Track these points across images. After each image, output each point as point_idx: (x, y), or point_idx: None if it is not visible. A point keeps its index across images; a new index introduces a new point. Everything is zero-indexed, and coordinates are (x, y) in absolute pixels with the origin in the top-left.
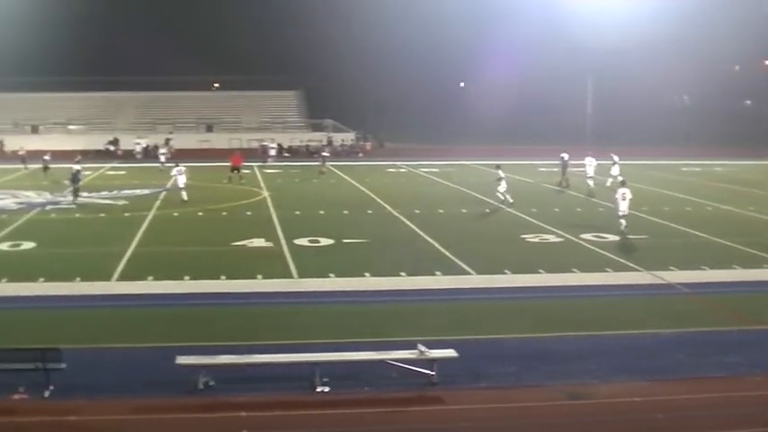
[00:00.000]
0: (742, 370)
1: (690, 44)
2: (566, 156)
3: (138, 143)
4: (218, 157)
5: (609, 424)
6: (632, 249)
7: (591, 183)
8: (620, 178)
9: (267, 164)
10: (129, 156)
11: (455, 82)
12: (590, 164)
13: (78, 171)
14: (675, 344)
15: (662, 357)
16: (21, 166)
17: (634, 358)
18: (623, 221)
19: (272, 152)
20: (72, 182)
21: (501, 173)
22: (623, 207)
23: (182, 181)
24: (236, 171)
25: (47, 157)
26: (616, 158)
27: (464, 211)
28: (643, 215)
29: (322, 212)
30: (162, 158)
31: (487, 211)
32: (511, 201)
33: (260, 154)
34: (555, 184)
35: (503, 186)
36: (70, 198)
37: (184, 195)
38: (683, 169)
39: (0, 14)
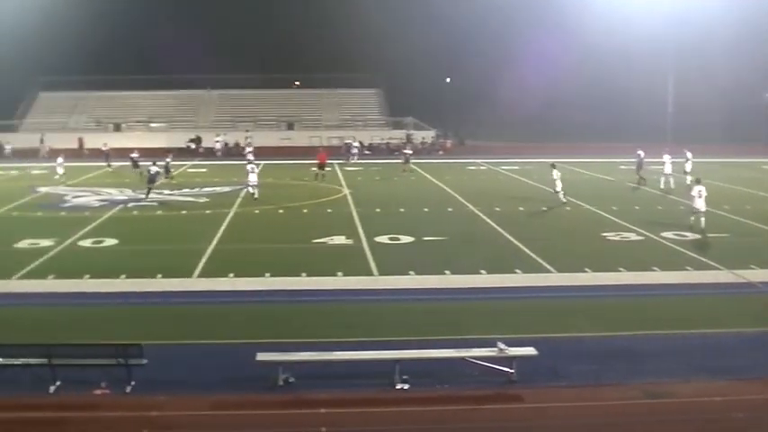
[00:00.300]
0: None
1: None
2: (641, 153)
3: (218, 141)
4: (299, 155)
5: (688, 423)
6: (713, 248)
7: (670, 180)
8: (689, 177)
9: (350, 162)
10: (209, 153)
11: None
12: (667, 161)
13: (157, 172)
14: (756, 343)
15: (742, 357)
16: (104, 163)
17: (714, 357)
18: (702, 219)
19: (355, 150)
20: (149, 181)
21: (556, 172)
22: (699, 205)
23: (253, 179)
24: (321, 168)
25: (135, 155)
26: (689, 155)
27: (544, 208)
28: (724, 213)
29: (402, 210)
30: (250, 156)
31: (568, 208)
32: (563, 200)
33: (343, 152)
34: (634, 182)
35: (558, 185)
36: (144, 195)
37: (255, 193)
38: (765, 167)
39: (83, 14)
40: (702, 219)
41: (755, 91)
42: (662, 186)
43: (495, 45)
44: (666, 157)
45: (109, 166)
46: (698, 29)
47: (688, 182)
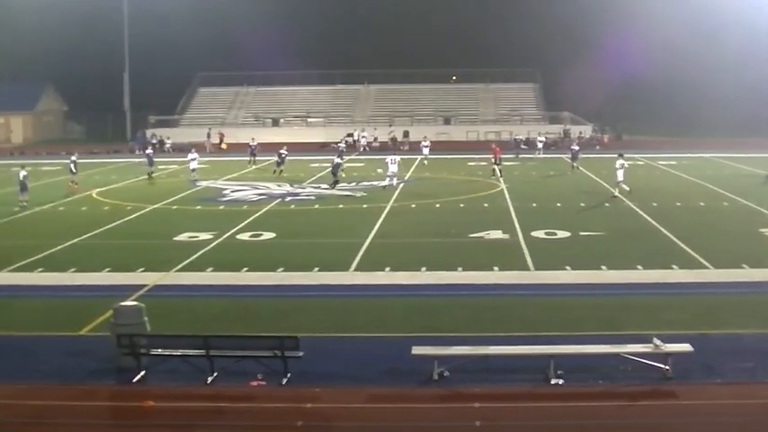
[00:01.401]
0: None
1: None
2: None
3: (364, 136)
4: (456, 149)
5: None
6: None
7: None
8: None
9: (535, 156)
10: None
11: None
12: None
13: (338, 164)
14: None
15: None
16: (246, 159)
17: None
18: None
19: (540, 144)
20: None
21: (620, 162)
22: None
23: (393, 169)
24: (497, 163)
25: (283, 151)
26: None
27: (702, 204)
28: None
29: (559, 205)
30: (426, 152)
31: (726, 204)
32: (627, 188)
33: (512, 147)
34: None
35: (620, 175)
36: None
37: (393, 183)
38: None
39: (242, 11)
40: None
41: None
42: None
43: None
44: None
45: (253, 162)
46: None
47: None
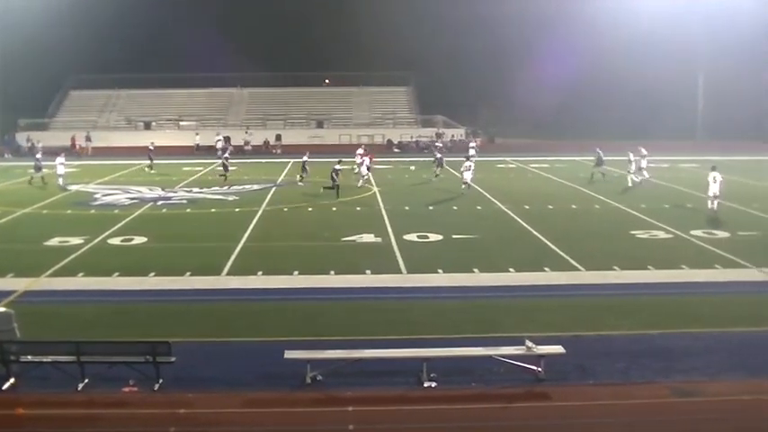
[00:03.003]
0: None
1: None
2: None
3: (219, 140)
4: (329, 153)
5: (717, 422)
6: (742, 246)
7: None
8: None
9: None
10: (238, 151)
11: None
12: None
13: (337, 171)
14: None
15: None
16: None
17: (743, 356)
18: (715, 203)
19: (472, 151)
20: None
21: (467, 163)
22: (714, 189)
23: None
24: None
25: (227, 155)
26: (644, 152)
27: (574, 207)
28: (753, 211)
29: (431, 208)
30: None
31: (597, 207)
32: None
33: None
34: (590, 177)
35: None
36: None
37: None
38: None
39: (114, 13)
40: (716, 203)
41: None
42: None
43: (522, 43)
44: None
45: (151, 167)
46: (726, 24)
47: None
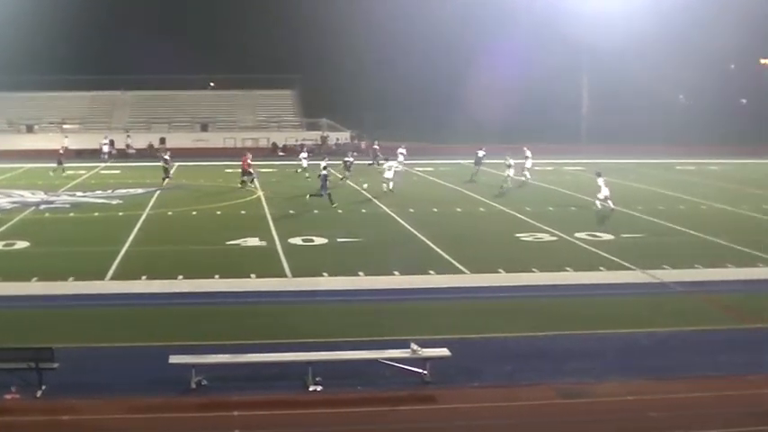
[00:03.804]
0: (736, 369)
1: (685, 43)
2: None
3: (105, 143)
4: (214, 156)
5: (602, 423)
6: (626, 248)
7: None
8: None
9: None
10: (122, 155)
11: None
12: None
13: (326, 176)
14: (669, 343)
15: (656, 356)
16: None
17: (628, 357)
18: (609, 202)
19: (401, 157)
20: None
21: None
22: (606, 192)
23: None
24: (247, 175)
25: (167, 156)
26: (528, 153)
27: (458, 210)
28: (638, 214)
29: (316, 212)
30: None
31: (482, 210)
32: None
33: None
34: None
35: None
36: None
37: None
38: (678, 168)
39: None
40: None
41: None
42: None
43: (406, 44)
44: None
45: (62, 170)
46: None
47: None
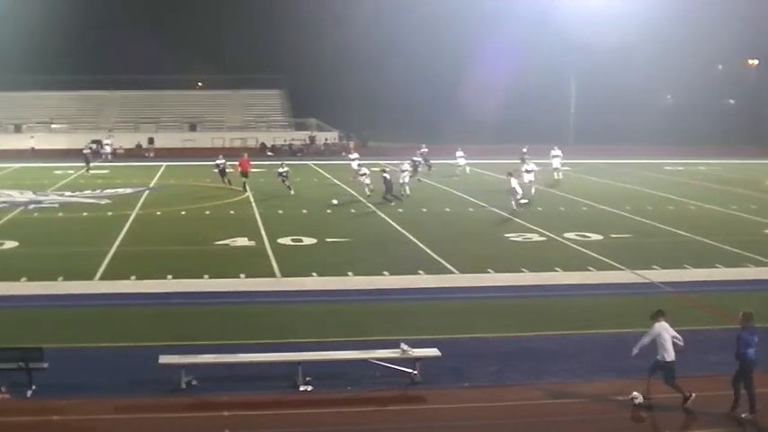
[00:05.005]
0: (723, 369)
1: (673, 44)
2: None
3: (109, 144)
4: (202, 156)
5: (590, 423)
6: (615, 248)
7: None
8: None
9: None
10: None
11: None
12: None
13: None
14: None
15: (644, 356)
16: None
17: (616, 357)
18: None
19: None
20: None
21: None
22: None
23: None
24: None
25: (220, 161)
26: (558, 152)
27: (447, 210)
28: (626, 214)
29: (305, 211)
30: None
31: (471, 210)
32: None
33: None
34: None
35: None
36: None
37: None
38: (667, 168)
39: None
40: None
41: (657, 92)
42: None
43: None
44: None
45: (87, 169)
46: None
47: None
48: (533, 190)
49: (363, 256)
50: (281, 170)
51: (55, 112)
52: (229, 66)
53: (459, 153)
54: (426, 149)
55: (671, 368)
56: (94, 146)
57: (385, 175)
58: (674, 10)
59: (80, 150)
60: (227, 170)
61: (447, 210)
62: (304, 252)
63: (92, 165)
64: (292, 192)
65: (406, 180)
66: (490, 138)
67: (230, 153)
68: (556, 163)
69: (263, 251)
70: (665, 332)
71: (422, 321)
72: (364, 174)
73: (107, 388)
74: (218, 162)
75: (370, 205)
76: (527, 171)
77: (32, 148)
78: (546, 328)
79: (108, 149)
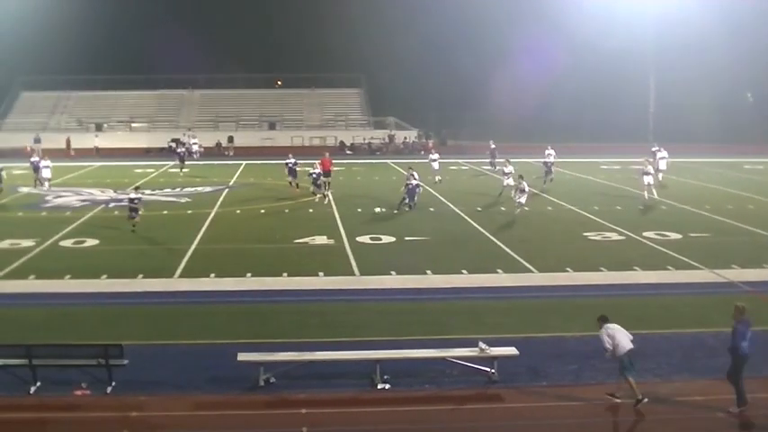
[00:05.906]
0: None
1: (753, 40)
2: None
3: (195, 143)
4: (281, 154)
5: (668, 422)
6: (694, 247)
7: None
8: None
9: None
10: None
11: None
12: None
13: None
14: None
15: (723, 356)
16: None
17: (695, 356)
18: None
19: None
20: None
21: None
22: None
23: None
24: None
25: (291, 161)
26: (664, 153)
27: (526, 208)
28: (705, 213)
29: (384, 210)
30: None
31: (550, 208)
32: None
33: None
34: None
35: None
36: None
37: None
38: (746, 167)
39: (65, 14)
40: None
41: (739, 90)
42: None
43: (481, 45)
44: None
45: (180, 168)
46: (685, 28)
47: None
48: (655, 193)
49: (442, 254)
50: (311, 171)
51: (134, 111)
52: (308, 65)
53: (549, 151)
54: (494, 146)
55: (623, 362)
56: (186, 144)
57: (412, 181)
58: (754, 4)
59: (161, 149)
60: (297, 170)
61: (526, 208)
62: (383, 250)
63: (179, 164)
64: (324, 197)
65: (510, 183)
66: (578, 138)
67: (309, 153)
68: (662, 165)
69: (342, 249)
70: (618, 332)
71: (500, 320)
72: (510, 172)
73: (186, 385)
74: (288, 162)
75: (448, 203)
76: (646, 173)
77: (96, 147)
78: (625, 328)
79: (195, 148)
